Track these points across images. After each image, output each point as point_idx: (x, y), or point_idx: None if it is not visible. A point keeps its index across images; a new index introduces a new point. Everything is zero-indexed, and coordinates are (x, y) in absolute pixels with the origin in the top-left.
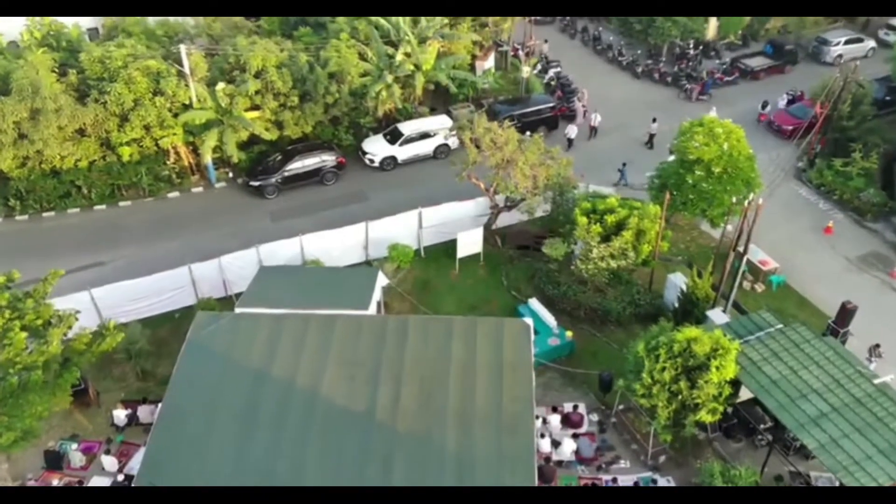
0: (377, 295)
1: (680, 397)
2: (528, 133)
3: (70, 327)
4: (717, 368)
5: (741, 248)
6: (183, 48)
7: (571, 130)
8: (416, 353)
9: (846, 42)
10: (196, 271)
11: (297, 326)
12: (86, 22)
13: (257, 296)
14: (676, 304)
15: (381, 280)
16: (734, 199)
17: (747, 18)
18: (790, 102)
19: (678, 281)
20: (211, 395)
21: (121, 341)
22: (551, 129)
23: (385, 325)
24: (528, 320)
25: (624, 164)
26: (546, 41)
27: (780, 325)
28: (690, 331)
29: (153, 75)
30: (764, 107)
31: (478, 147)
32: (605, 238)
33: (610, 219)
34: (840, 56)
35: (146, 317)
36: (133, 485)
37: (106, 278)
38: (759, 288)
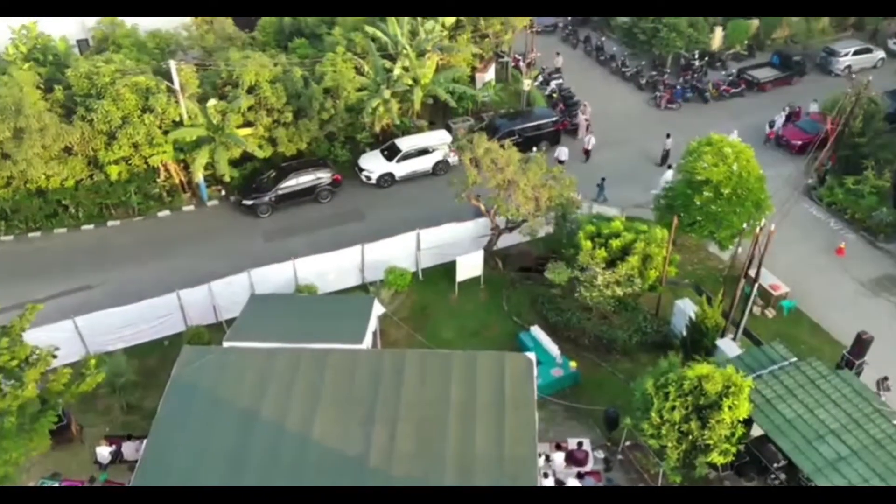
0: (373, 325)
1: (690, 437)
2: (533, 149)
3: (48, 367)
4: (730, 408)
5: (752, 274)
6: (173, 64)
7: (562, 153)
8: (414, 392)
9: (855, 53)
10: (185, 298)
11: (289, 362)
12: (75, 32)
13: (246, 328)
14: (685, 333)
15: (377, 309)
16: (745, 225)
17: (753, 28)
18: (788, 118)
19: (686, 308)
20: (197, 436)
21: (101, 381)
22: (553, 144)
23: (381, 361)
24: (531, 355)
25: (603, 179)
26: (558, 53)
27: (794, 359)
28: (701, 367)
29: (142, 91)
30: (772, 125)
31: (477, 168)
32: (611, 263)
33: (615, 243)
34: (849, 67)
35: (134, 344)
36: None
37: (93, 303)
38: (770, 313)
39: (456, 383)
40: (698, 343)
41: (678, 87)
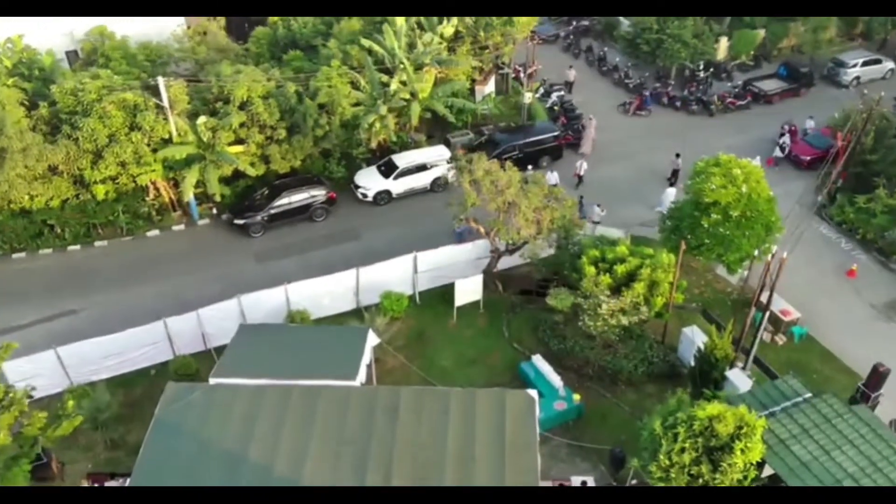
0: (367, 357)
1: (701, 481)
2: (529, 168)
3: (22, 411)
4: (743, 451)
5: (763, 301)
6: (161, 80)
7: (552, 177)
8: (409, 433)
9: (864, 63)
10: (172, 326)
11: (278, 400)
12: (63, 43)
13: (234, 363)
14: (692, 362)
15: (372, 339)
16: (756, 251)
17: (760, 38)
18: (781, 136)
19: (693, 336)
20: (182, 478)
21: (79, 424)
22: (555, 160)
23: (375, 399)
24: (533, 393)
25: (581, 198)
26: (571, 67)
27: (809, 395)
28: (712, 407)
29: (129, 109)
30: (784, 149)
31: (477, 189)
32: (615, 289)
33: (620, 269)
34: (857, 78)
35: (119, 374)
36: None
37: (78, 328)
38: (781, 340)
39: (454, 423)
40: (707, 375)
41: (648, 94)
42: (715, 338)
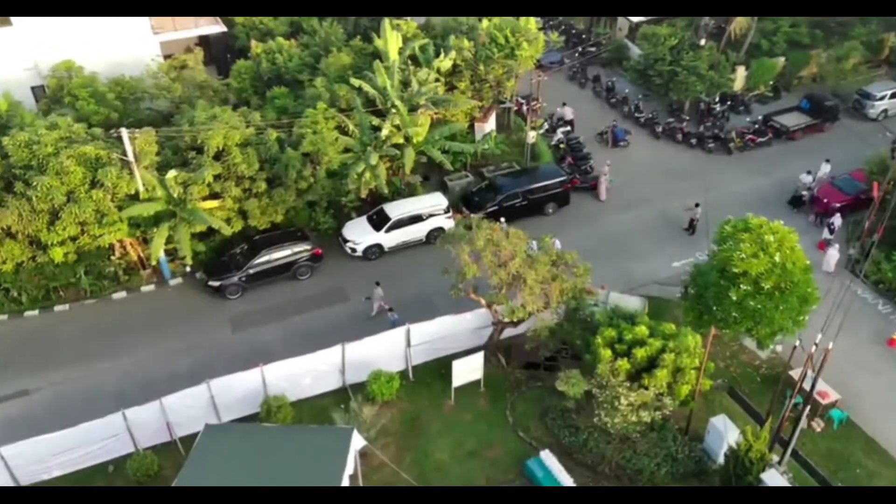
0: (350, 466)
1: None
2: (533, 243)
3: None
4: None
5: (805, 387)
6: (125, 132)
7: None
8: None
9: (892, 95)
10: (133, 417)
11: None
12: (27, 78)
13: (196, 476)
14: (721, 459)
15: (357, 442)
16: (790, 322)
17: (780, 66)
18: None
19: (722, 428)
20: None
21: None
22: (562, 206)
23: None
24: None
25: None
26: (565, 104)
27: None
28: None
29: (90, 163)
30: (832, 230)
31: (477, 260)
32: (635, 375)
33: (639, 353)
34: (885, 111)
35: (73, 471)
36: None
37: (29, 414)
38: (818, 426)
39: None
40: (740, 479)
41: (616, 126)
42: (750, 437)
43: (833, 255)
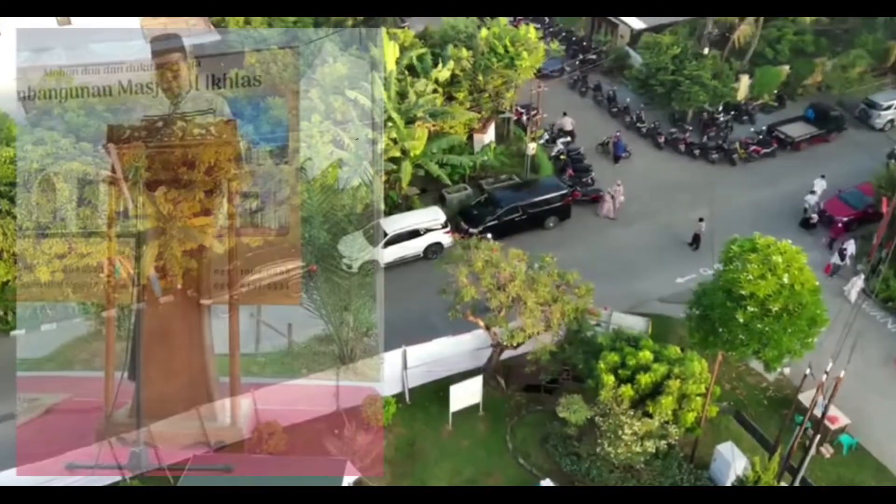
0: None
1: None
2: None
3: None
4: None
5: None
6: (112, 148)
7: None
8: None
9: None
10: None
11: None
12: (14, 88)
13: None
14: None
15: (350, 474)
16: (798, 344)
17: (784, 75)
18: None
19: (730, 456)
20: None
21: None
22: (563, 220)
23: None
24: None
25: None
26: (565, 114)
27: None
28: None
29: (77, 180)
30: (843, 256)
31: (476, 282)
32: (639, 401)
33: (643, 379)
34: (891, 121)
35: None
36: None
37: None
38: (827, 452)
39: None
40: None
41: (619, 138)
42: (758, 468)
43: (858, 284)
